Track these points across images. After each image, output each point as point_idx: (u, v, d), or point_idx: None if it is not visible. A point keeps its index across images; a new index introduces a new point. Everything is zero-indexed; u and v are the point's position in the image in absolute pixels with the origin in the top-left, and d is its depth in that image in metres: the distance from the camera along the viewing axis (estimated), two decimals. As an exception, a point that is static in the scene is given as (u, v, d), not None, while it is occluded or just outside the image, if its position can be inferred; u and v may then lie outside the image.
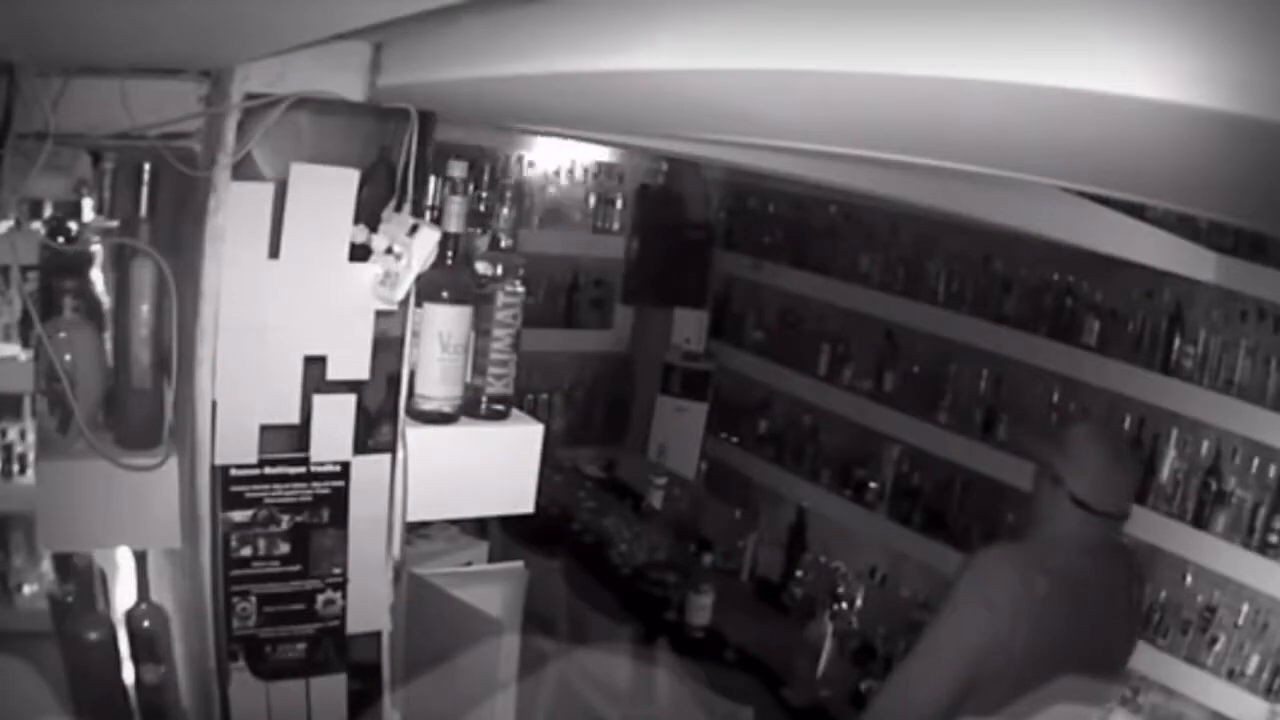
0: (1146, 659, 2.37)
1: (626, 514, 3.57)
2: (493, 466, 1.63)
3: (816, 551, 3.31)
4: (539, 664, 1.99)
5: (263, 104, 1.33)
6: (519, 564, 1.83)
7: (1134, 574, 1.99)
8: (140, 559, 1.63)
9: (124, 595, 1.66)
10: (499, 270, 1.59)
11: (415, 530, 2.05)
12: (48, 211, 1.60)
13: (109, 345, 1.57)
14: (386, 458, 1.52)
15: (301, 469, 1.47)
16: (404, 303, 1.47)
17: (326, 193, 1.39)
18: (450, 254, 1.50)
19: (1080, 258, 2.49)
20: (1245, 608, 2.24)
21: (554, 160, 3.60)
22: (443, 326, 1.52)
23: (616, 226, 3.77)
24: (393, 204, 1.43)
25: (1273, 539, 2.19)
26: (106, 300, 1.60)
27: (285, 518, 1.47)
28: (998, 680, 1.75)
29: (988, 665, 1.75)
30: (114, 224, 1.62)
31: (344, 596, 1.53)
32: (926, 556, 2.96)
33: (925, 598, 2.92)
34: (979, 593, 1.79)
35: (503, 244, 1.61)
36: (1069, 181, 1.52)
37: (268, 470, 1.45)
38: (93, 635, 1.60)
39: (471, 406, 1.60)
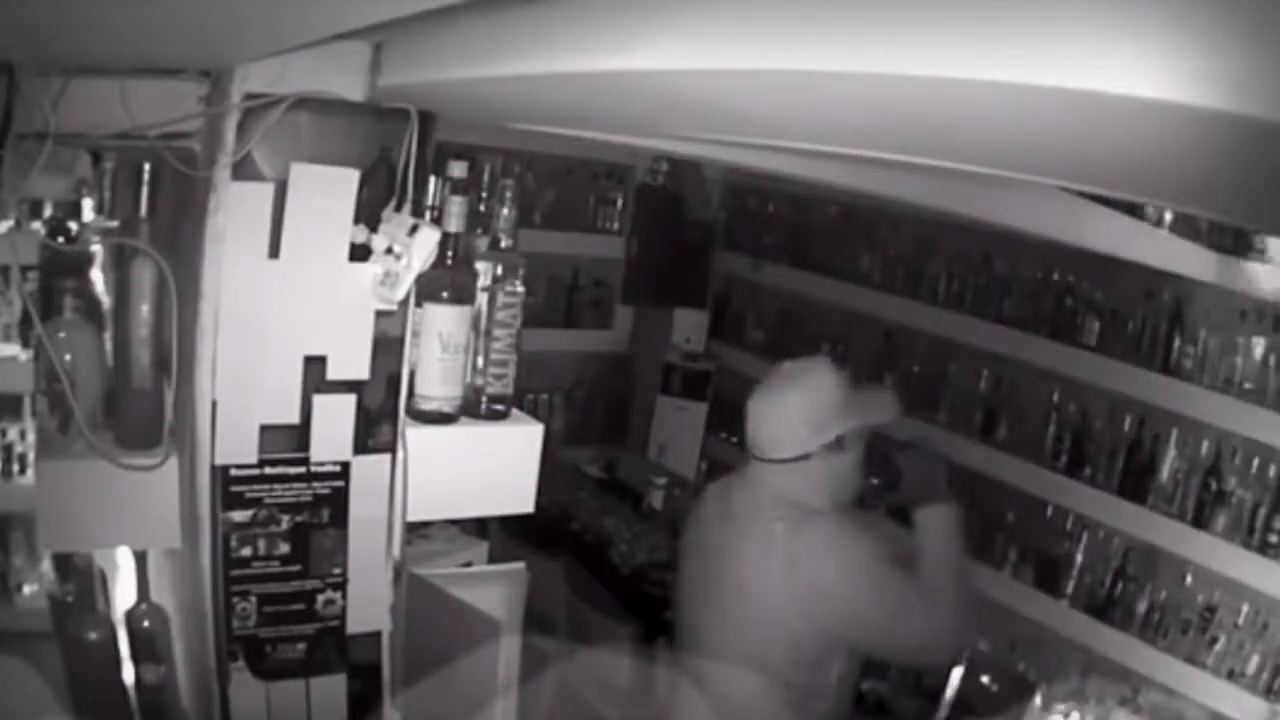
0: (1146, 659, 2.38)
1: (626, 514, 3.57)
2: (493, 466, 1.63)
3: (816, 551, 3.30)
4: (539, 664, 1.99)
5: (263, 104, 1.33)
6: (520, 565, 1.83)
7: (794, 559, 1.82)
8: (140, 559, 1.63)
9: (124, 595, 1.66)
10: (499, 270, 1.59)
11: (415, 530, 2.05)
12: (48, 211, 1.60)
13: (109, 345, 1.57)
14: (386, 458, 1.52)
15: (301, 469, 1.47)
16: (404, 303, 1.47)
17: (326, 193, 1.39)
18: (450, 254, 1.50)
19: (1080, 258, 2.49)
20: (1245, 608, 2.24)
21: (554, 160, 3.60)
22: (443, 326, 1.52)
23: (616, 226, 3.77)
24: (393, 204, 1.43)
25: (1273, 539, 2.19)
26: (106, 300, 1.60)
27: (285, 518, 1.47)
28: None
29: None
30: (114, 224, 1.62)
31: (344, 596, 1.53)
32: (926, 556, 2.95)
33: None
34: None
35: (503, 244, 1.61)
36: (1069, 181, 1.52)
37: (268, 470, 1.45)
38: (93, 635, 1.60)
39: (471, 406, 1.60)
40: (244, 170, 1.36)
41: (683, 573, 2.05)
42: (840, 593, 1.80)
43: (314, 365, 1.44)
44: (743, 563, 1.86)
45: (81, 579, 1.64)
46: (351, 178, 1.40)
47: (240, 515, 1.45)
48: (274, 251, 1.38)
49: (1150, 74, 0.58)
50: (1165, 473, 2.40)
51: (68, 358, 1.48)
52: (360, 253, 1.42)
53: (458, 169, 1.53)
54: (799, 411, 1.84)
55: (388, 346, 1.49)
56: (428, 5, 0.87)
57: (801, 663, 1.84)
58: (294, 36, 1.20)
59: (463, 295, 1.54)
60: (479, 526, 2.43)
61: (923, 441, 2.05)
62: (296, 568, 1.49)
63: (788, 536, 1.82)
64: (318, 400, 1.45)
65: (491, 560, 2.31)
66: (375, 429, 1.51)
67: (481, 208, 1.74)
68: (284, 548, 1.48)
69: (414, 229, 1.40)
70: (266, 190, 1.37)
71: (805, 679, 1.86)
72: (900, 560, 1.84)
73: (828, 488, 1.88)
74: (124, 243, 1.52)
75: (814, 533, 1.82)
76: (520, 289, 1.61)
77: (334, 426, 1.47)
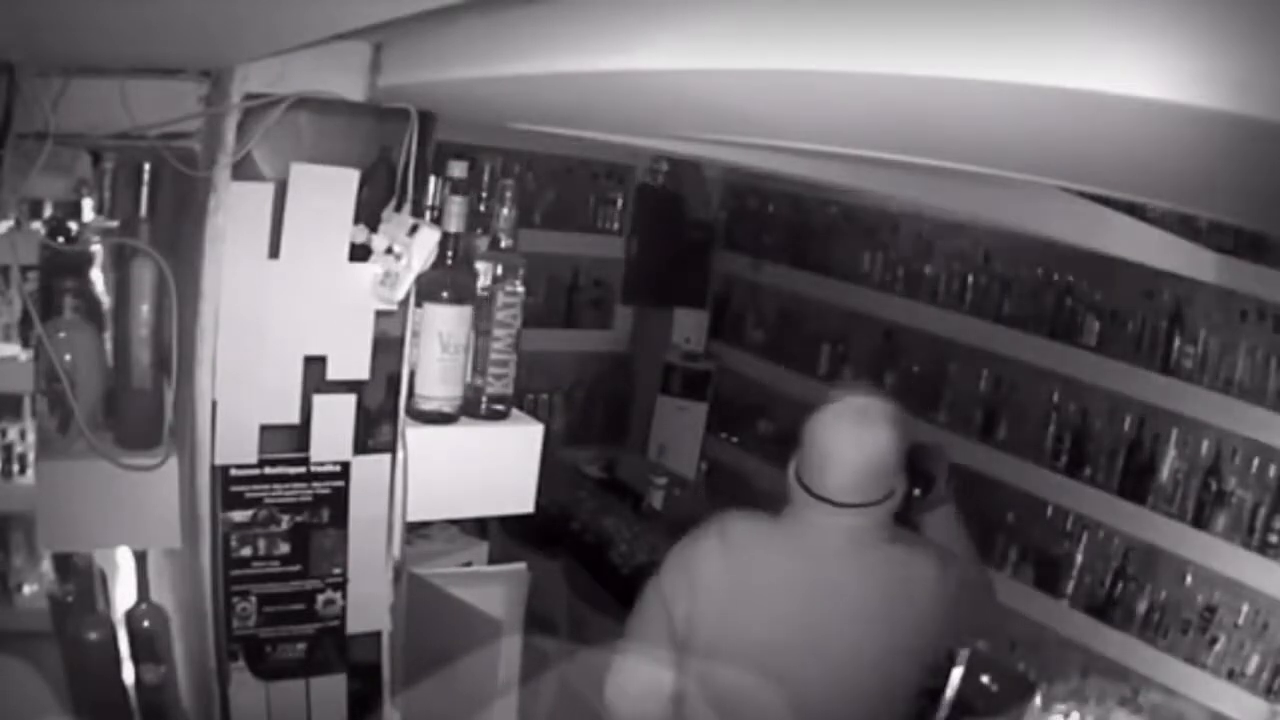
0: (1146, 659, 2.38)
1: (626, 514, 3.57)
2: (493, 466, 1.63)
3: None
4: (539, 664, 1.99)
5: (263, 104, 1.33)
6: (521, 565, 1.83)
7: (927, 585, 1.69)
8: (140, 559, 1.63)
9: (124, 595, 1.66)
10: (499, 270, 1.59)
11: (415, 530, 2.05)
12: (48, 211, 1.60)
13: (109, 345, 1.57)
14: (386, 458, 1.53)
15: (301, 469, 1.47)
16: (404, 303, 1.47)
17: (326, 193, 1.39)
18: (450, 254, 1.50)
19: (1080, 258, 2.49)
20: (1245, 608, 2.24)
21: (554, 160, 3.60)
22: (443, 326, 1.51)
23: (616, 226, 3.77)
24: (393, 204, 1.43)
25: (1273, 539, 2.19)
26: (106, 300, 1.60)
27: (285, 518, 1.47)
28: (726, 654, 1.67)
29: (696, 633, 1.68)
30: (114, 224, 1.62)
31: (344, 596, 1.53)
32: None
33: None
34: (681, 563, 1.73)
35: (503, 244, 1.61)
36: (1069, 181, 1.52)
37: (268, 470, 1.45)
38: (93, 635, 1.60)
39: (471, 406, 1.60)
40: (244, 170, 1.36)
41: (744, 621, 1.72)
42: (984, 599, 1.87)
43: (314, 365, 1.44)
44: (870, 600, 1.69)
45: (81, 579, 1.64)
46: (351, 178, 1.40)
47: (240, 515, 1.45)
48: (274, 251, 1.38)
49: (1150, 74, 0.58)
50: (1165, 473, 2.40)
51: (68, 358, 1.48)
52: (360, 253, 1.42)
53: (458, 169, 1.53)
54: (888, 451, 1.66)
55: (388, 346, 1.49)
56: (428, 5, 0.87)
57: (915, 685, 1.85)
58: (294, 36, 1.20)
59: (463, 295, 1.54)
60: (479, 526, 2.43)
61: (930, 442, 2.05)
62: (296, 568, 1.49)
63: (910, 563, 1.71)
64: (318, 400, 1.45)
65: (491, 560, 2.31)
66: (375, 429, 1.51)
67: (481, 208, 1.74)
68: (284, 548, 1.48)
69: (414, 229, 1.40)
70: (266, 190, 1.37)
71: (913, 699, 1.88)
72: None
73: (891, 511, 1.75)
74: (124, 243, 1.52)
75: (928, 555, 1.73)
76: (520, 289, 1.61)
77: (334, 426, 1.47)
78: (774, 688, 1.64)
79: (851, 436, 1.66)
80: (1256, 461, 2.24)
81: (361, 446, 1.50)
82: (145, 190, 1.52)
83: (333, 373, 1.46)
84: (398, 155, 1.42)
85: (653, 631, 1.73)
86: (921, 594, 1.69)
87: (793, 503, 1.73)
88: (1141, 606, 2.43)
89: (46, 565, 1.80)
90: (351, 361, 1.47)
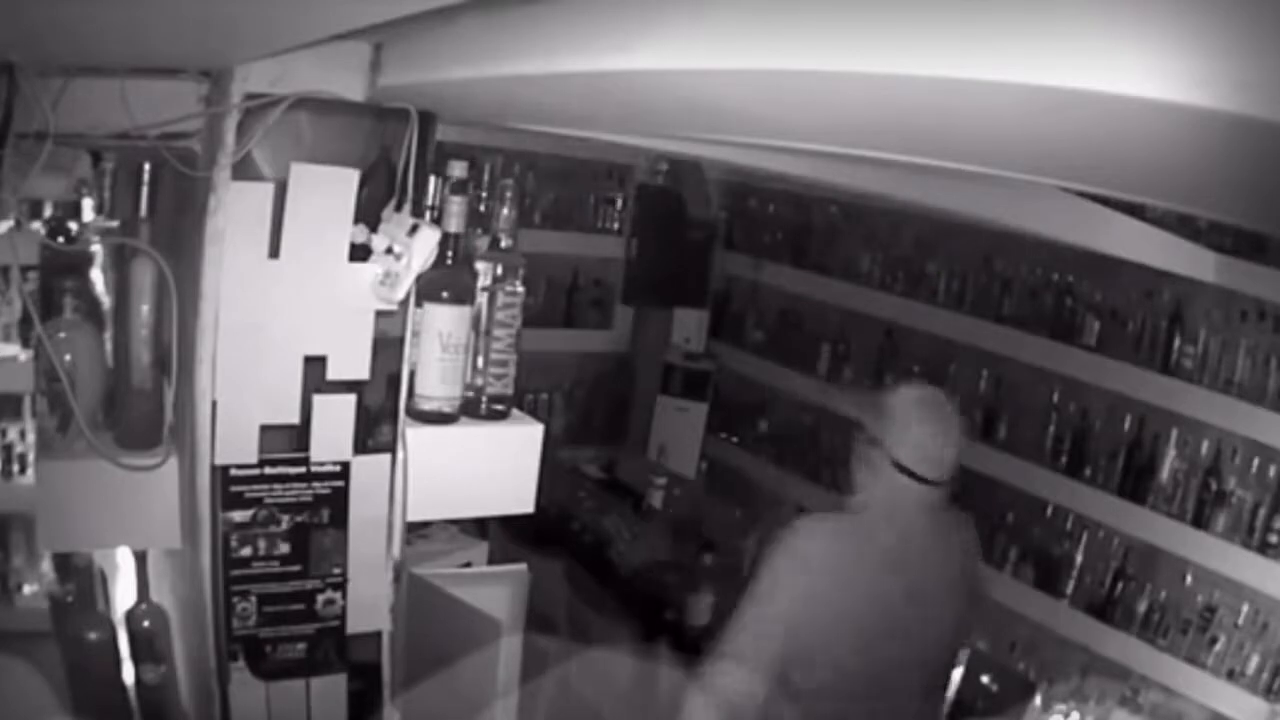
0: (1146, 659, 2.38)
1: (626, 514, 3.57)
2: (493, 467, 1.63)
3: (816, 551, 3.30)
4: (539, 664, 1.99)
5: (263, 104, 1.33)
6: (522, 566, 1.83)
7: (967, 546, 1.95)
8: (140, 559, 1.63)
9: (124, 595, 1.66)
10: (499, 270, 1.59)
11: (415, 530, 2.05)
12: (48, 211, 1.60)
13: (109, 345, 1.57)
14: (386, 458, 1.52)
15: (301, 469, 1.47)
16: (404, 303, 1.47)
17: (326, 193, 1.39)
18: (450, 254, 1.50)
19: (1080, 258, 2.49)
20: (1245, 608, 2.24)
21: (554, 160, 3.60)
22: (443, 326, 1.52)
23: (616, 226, 3.77)
24: (393, 204, 1.43)
25: (1273, 539, 2.19)
26: (106, 300, 1.60)
27: (285, 518, 1.47)
28: (833, 645, 1.75)
29: (814, 627, 1.74)
30: (114, 224, 1.62)
31: (344, 596, 1.53)
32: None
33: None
34: (796, 559, 1.79)
35: (503, 244, 1.61)
36: (1069, 181, 1.52)
37: (268, 470, 1.45)
38: (93, 635, 1.60)
39: (471, 406, 1.60)
40: (244, 170, 1.36)
41: (850, 601, 1.79)
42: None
43: (314, 365, 1.44)
44: (950, 564, 1.90)
45: (81, 579, 1.64)
46: (351, 178, 1.40)
47: (240, 515, 1.45)
48: (274, 251, 1.38)
49: (1150, 74, 0.58)
50: (1165, 473, 2.40)
51: (68, 358, 1.49)
52: (360, 253, 1.42)
53: (458, 169, 1.53)
54: (960, 433, 1.88)
55: (388, 346, 1.49)
56: (428, 5, 0.87)
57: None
58: (294, 36, 1.19)
59: (463, 295, 1.54)
60: (479, 526, 2.43)
61: None
62: (296, 568, 1.49)
63: (959, 525, 1.94)
64: (318, 400, 1.45)
65: (492, 560, 2.31)
66: (375, 429, 1.51)
67: (481, 208, 1.74)
68: (284, 548, 1.48)
69: (414, 229, 1.40)
70: (266, 190, 1.37)
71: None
72: None
73: None
74: (124, 243, 1.52)
75: (959, 516, 1.94)
76: (520, 289, 1.61)
77: (334, 426, 1.47)
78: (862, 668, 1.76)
79: (945, 419, 1.85)
80: (1256, 461, 2.24)
81: (361, 446, 1.50)
82: (145, 190, 1.52)
83: (333, 373, 1.46)
84: (398, 155, 1.42)
85: (766, 626, 1.76)
86: (972, 552, 1.97)
87: (873, 488, 1.85)
88: (1141, 606, 2.43)
89: (46, 565, 1.80)
90: (351, 361, 1.47)
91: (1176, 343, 2.40)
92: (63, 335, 1.51)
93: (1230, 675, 2.25)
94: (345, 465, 1.50)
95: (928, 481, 1.80)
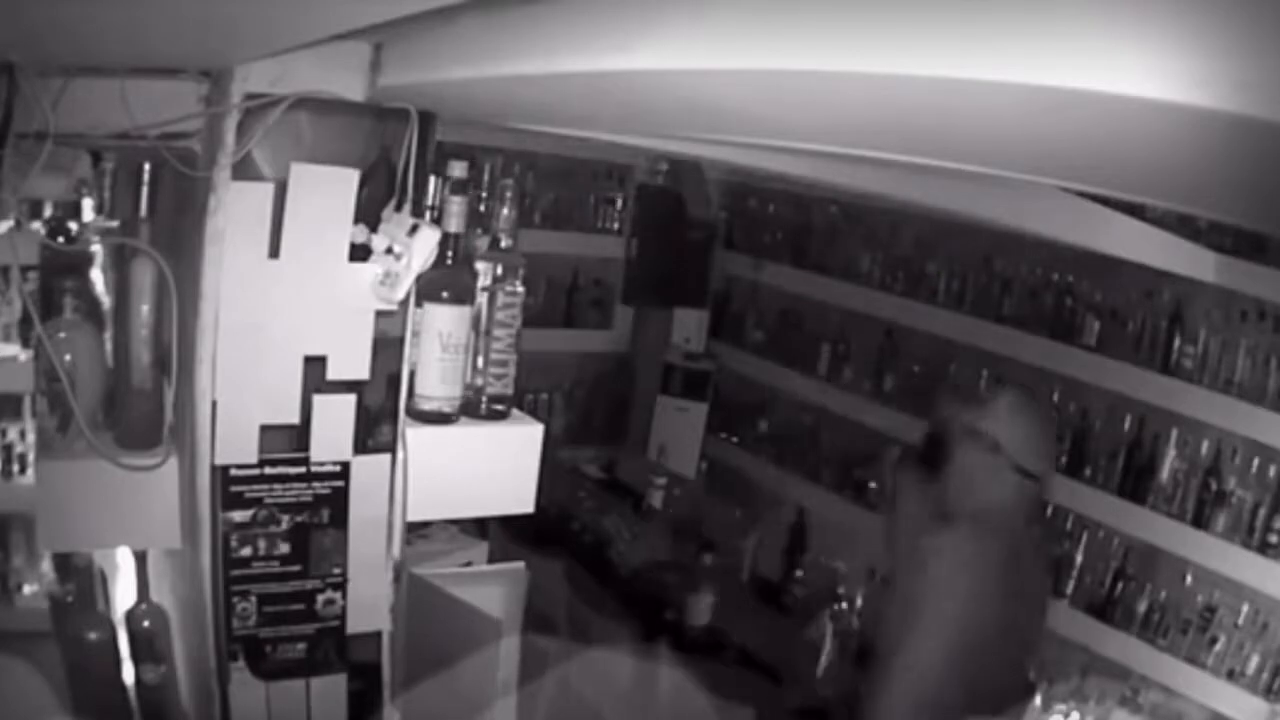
0: (1146, 659, 2.37)
1: (626, 514, 3.57)
2: (493, 467, 1.63)
3: (816, 551, 3.31)
4: (539, 664, 1.99)
5: (263, 104, 1.33)
6: (520, 565, 1.83)
7: (1051, 534, 2.11)
8: (140, 559, 1.63)
9: (124, 595, 1.66)
10: (499, 270, 1.59)
11: (415, 530, 2.05)
12: (48, 211, 1.59)
13: (109, 345, 1.57)
14: (386, 458, 1.52)
15: (301, 469, 1.47)
16: (404, 303, 1.47)
17: (326, 193, 1.39)
18: (450, 254, 1.50)
19: (1080, 258, 2.49)
20: (1245, 608, 2.24)
21: (554, 160, 3.60)
22: (443, 326, 1.51)
23: (616, 226, 3.77)
24: (393, 204, 1.43)
25: (1273, 539, 2.19)
26: (106, 300, 1.60)
27: (285, 518, 1.47)
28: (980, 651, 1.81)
29: (976, 635, 1.82)
30: (114, 224, 1.61)
31: (344, 596, 1.53)
32: (926, 556, 2.95)
33: (925, 598, 2.91)
34: (961, 568, 1.85)
35: (503, 244, 1.61)
36: (1069, 181, 1.52)
37: (268, 470, 1.45)
38: (93, 635, 1.60)
39: (471, 406, 1.60)
40: (244, 170, 1.36)
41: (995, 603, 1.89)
42: None
43: (314, 365, 1.44)
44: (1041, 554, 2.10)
45: (81, 579, 1.64)
46: (351, 178, 1.40)
47: (240, 515, 1.45)
48: (274, 251, 1.38)
49: (1150, 74, 0.58)
50: (1165, 473, 2.40)
51: (68, 358, 1.48)
52: (360, 253, 1.42)
53: (458, 169, 1.53)
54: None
55: (388, 346, 1.49)
56: (428, 5, 0.87)
57: None
58: (294, 36, 1.19)
59: (463, 295, 1.54)
60: (479, 526, 2.43)
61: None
62: (296, 568, 1.49)
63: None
64: (318, 400, 1.45)
65: (491, 560, 2.31)
66: (375, 429, 1.51)
67: (481, 208, 1.74)
68: (284, 548, 1.48)
69: (414, 229, 1.40)
70: (266, 190, 1.37)
71: None
72: None
73: None
74: (124, 243, 1.52)
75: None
76: (520, 289, 1.61)
77: (334, 426, 1.47)
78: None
79: (1049, 418, 2.07)
80: (1256, 461, 2.24)
81: (361, 446, 1.50)
82: (145, 190, 1.52)
83: (333, 373, 1.46)
84: (398, 155, 1.42)
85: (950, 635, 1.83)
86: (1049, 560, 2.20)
87: (988, 493, 1.92)
88: (1141, 606, 2.43)
89: (46, 565, 1.80)
90: (351, 361, 1.47)
91: (1176, 343, 2.40)
92: (63, 335, 1.51)
93: (1230, 675, 2.25)
94: (345, 465, 1.50)
95: (1036, 479, 1.92)
